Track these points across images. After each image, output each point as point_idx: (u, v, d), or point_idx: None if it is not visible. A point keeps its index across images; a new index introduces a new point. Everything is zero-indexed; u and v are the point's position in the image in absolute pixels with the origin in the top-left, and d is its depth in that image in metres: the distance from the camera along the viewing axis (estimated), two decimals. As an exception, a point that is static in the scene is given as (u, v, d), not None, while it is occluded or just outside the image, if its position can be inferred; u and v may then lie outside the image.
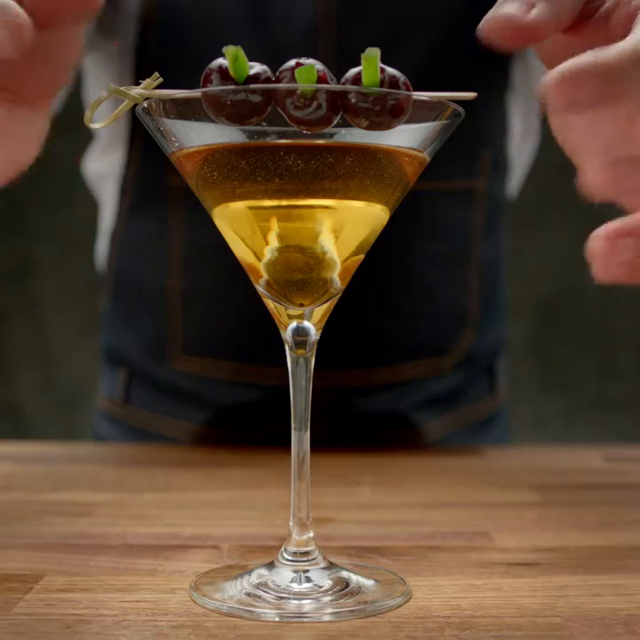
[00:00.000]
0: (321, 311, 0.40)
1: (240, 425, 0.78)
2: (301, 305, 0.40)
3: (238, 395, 0.77)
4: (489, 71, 0.77)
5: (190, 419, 0.79)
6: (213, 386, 0.78)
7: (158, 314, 0.78)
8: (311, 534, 0.40)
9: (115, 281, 0.82)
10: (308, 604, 0.37)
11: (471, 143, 0.76)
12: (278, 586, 0.39)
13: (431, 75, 0.72)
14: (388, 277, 0.75)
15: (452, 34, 0.74)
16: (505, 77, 0.80)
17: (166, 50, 0.75)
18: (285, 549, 0.40)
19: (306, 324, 0.40)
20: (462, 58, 0.75)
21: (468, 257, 0.79)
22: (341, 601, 0.38)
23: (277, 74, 0.35)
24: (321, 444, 0.74)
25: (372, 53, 0.34)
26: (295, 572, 0.39)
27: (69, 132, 0.96)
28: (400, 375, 0.78)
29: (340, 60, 0.71)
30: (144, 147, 0.77)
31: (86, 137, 0.91)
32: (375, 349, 0.77)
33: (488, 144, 0.78)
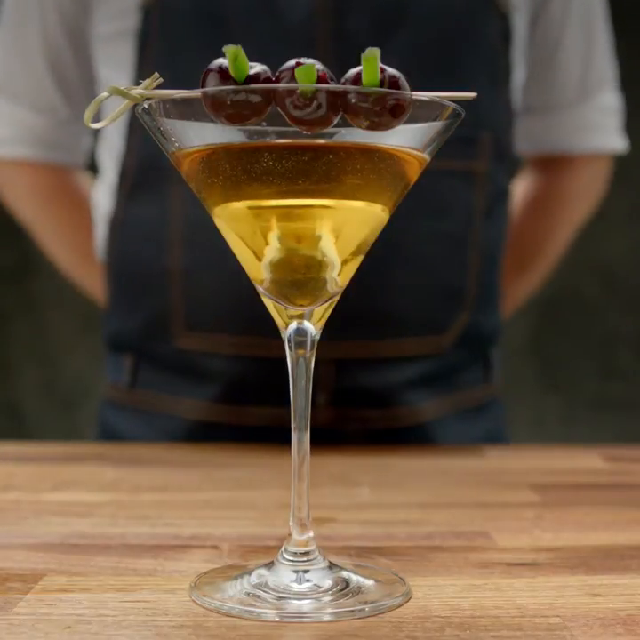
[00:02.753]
0: (321, 311, 0.40)
1: (246, 401, 0.79)
2: (301, 305, 0.40)
3: (243, 368, 0.78)
4: (485, 55, 0.78)
5: (197, 396, 0.80)
6: (218, 361, 0.79)
7: (161, 293, 0.79)
8: (311, 534, 0.40)
9: (115, 266, 0.83)
10: (307, 604, 0.37)
11: (469, 124, 0.78)
12: (278, 586, 0.39)
13: (427, 57, 0.74)
14: (388, 252, 0.76)
15: (447, 18, 0.76)
16: (506, 64, 0.81)
17: (168, 36, 0.76)
18: (285, 549, 0.40)
19: (306, 324, 0.40)
20: (459, 42, 0.77)
21: (469, 238, 0.80)
22: (341, 601, 0.38)
23: (277, 74, 0.35)
24: (321, 422, 0.76)
25: (372, 53, 0.34)
26: (295, 571, 0.39)
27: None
28: (398, 350, 0.79)
29: (339, 44, 0.73)
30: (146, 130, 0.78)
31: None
32: (374, 323, 0.78)
33: (487, 126, 0.79)
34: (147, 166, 0.79)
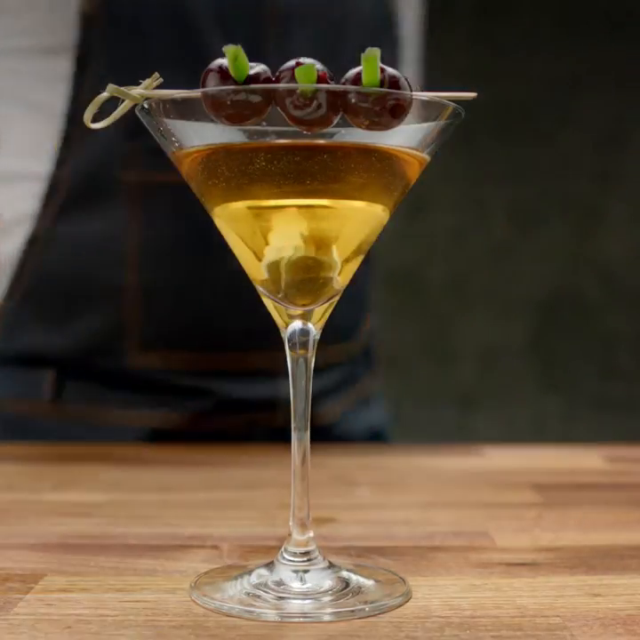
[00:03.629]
0: (321, 311, 0.40)
1: (204, 410, 0.79)
2: (301, 305, 0.40)
3: (200, 382, 0.79)
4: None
5: (148, 408, 0.79)
6: (174, 376, 0.78)
7: (104, 310, 0.77)
8: (311, 534, 0.40)
9: (36, 282, 0.79)
10: (308, 604, 0.37)
11: None
12: (278, 586, 0.39)
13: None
14: None
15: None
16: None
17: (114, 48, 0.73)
18: (285, 549, 0.40)
19: (306, 324, 0.40)
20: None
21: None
22: (341, 601, 0.38)
23: (277, 74, 0.35)
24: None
25: (372, 53, 0.34)
26: (295, 571, 0.39)
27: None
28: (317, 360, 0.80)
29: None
30: (90, 145, 0.75)
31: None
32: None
33: None
34: (86, 181, 0.76)
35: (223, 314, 0.77)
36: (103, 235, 0.76)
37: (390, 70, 0.35)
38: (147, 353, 0.77)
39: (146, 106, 0.37)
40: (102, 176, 0.75)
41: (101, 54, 0.73)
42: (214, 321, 0.77)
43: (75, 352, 0.79)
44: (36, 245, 0.78)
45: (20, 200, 0.78)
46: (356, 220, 0.39)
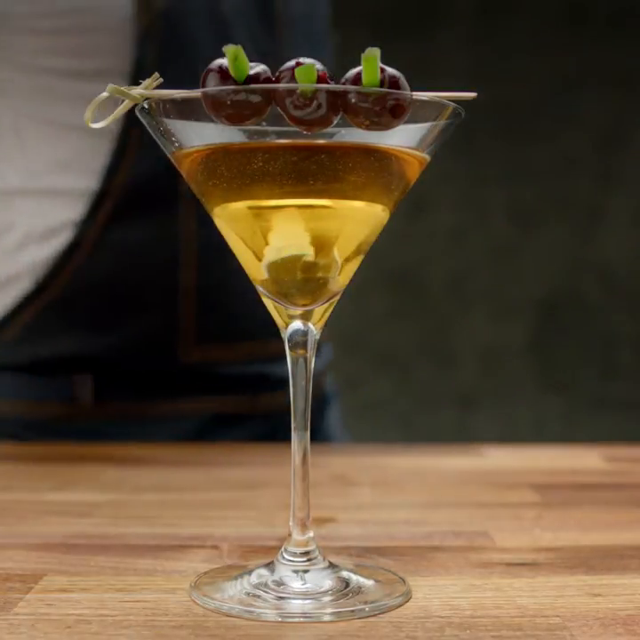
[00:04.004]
0: (321, 311, 0.40)
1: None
2: (302, 305, 0.40)
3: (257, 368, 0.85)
4: None
5: (200, 398, 0.83)
6: (220, 367, 0.83)
7: (161, 310, 0.80)
8: (311, 534, 0.40)
9: (78, 288, 0.79)
10: (307, 604, 0.37)
11: None
12: (278, 586, 0.39)
13: None
14: None
15: None
16: None
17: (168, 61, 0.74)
18: (285, 549, 0.40)
19: (306, 324, 0.40)
20: None
21: None
22: (341, 601, 0.38)
23: (277, 74, 0.35)
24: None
25: (372, 53, 0.34)
26: (295, 571, 0.39)
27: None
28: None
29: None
30: (144, 156, 0.77)
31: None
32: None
33: None
34: (140, 190, 0.77)
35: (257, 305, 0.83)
36: (158, 239, 0.79)
37: (390, 70, 0.35)
38: (200, 347, 0.82)
39: (146, 106, 0.37)
40: (158, 185, 0.77)
41: (154, 70, 0.74)
42: (257, 313, 0.81)
43: (121, 352, 0.81)
44: (78, 252, 0.79)
45: (58, 211, 0.79)
46: (355, 220, 0.39)
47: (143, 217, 0.79)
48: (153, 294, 0.80)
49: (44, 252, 0.79)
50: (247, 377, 0.85)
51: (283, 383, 0.84)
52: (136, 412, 0.82)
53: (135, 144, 0.77)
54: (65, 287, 0.80)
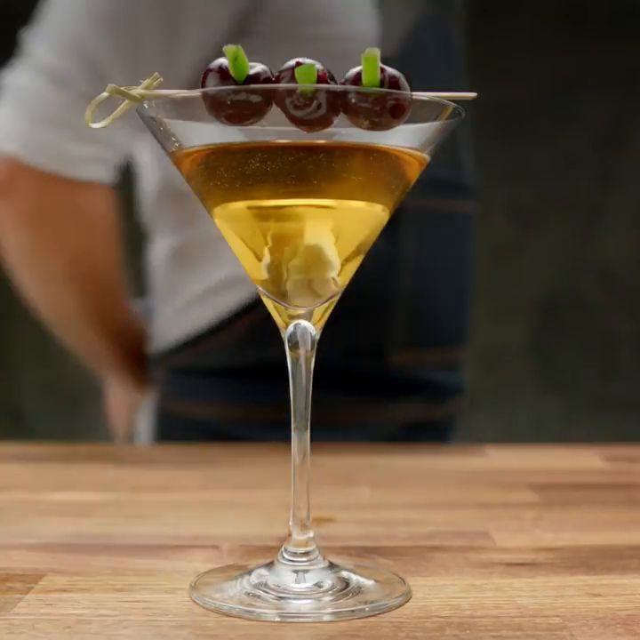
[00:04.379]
0: (321, 311, 0.40)
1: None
2: (302, 305, 0.40)
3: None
4: None
5: (406, 402, 0.88)
6: (422, 372, 0.89)
7: (374, 318, 0.84)
8: (311, 534, 0.40)
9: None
10: (307, 604, 0.37)
11: None
12: (278, 586, 0.39)
13: None
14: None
15: None
16: None
17: None
18: (285, 549, 0.40)
19: (306, 324, 0.40)
20: None
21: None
22: (341, 601, 0.38)
23: (277, 74, 0.35)
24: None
25: (372, 53, 0.34)
26: (295, 571, 0.39)
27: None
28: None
29: None
30: None
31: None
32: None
33: None
34: None
35: (454, 313, 0.92)
36: (383, 254, 0.82)
37: (390, 70, 0.35)
38: (407, 351, 0.87)
39: (146, 106, 0.37)
40: None
41: None
42: (454, 320, 0.92)
43: (336, 357, 0.83)
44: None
45: None
46: (355, 220, 0.39)
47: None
48: (368, 302, 0.83)
49: None
50: (437, 383, 0.90)
51: (458, 391, 0.93)
52: (346, 417, 0.85)
53: None
54: None
